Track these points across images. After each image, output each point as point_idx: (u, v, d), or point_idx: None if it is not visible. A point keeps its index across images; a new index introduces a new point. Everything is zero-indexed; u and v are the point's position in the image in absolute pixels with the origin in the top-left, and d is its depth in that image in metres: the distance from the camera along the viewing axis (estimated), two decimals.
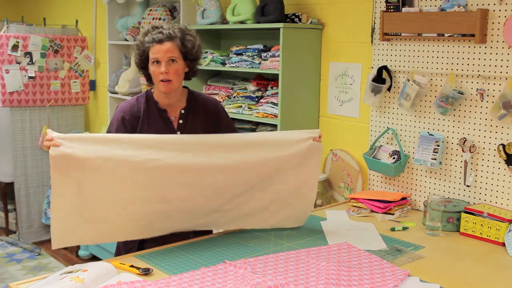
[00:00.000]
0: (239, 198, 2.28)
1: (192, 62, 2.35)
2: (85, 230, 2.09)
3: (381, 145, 3.06)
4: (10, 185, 5.12)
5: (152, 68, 2.27)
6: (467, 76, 2.68)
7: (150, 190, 2.12)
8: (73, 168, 1.99)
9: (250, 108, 3.53)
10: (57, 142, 1.96)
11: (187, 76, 2.40)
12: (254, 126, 3.62)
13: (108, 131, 2.35)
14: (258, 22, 3.43)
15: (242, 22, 3.52)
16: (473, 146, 2.67)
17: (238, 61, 3.56)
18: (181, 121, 2.36)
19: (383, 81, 2.97)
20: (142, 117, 2.32)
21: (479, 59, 2.63)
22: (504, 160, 2.56)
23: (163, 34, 2.25)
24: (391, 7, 2.90)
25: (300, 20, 3.37)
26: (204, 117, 2.41)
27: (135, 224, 2.17)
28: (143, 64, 2.33)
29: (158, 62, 2.25)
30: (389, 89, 2.99)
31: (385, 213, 2.75)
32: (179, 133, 2.34)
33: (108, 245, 4.43)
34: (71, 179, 2.01)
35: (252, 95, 3.55)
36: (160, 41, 2.24)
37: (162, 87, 2.27)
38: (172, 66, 2.25)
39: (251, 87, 3.59)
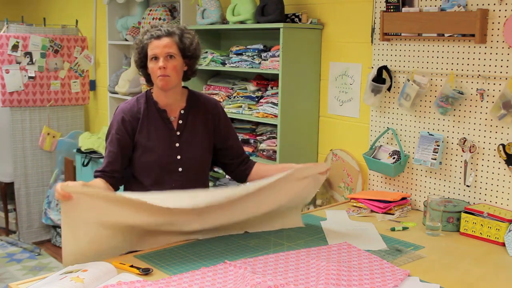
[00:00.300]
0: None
1: (191, 60, 2.35)
2: (93, 252, 2.07)
3: (381, 145, 3.06)
4: (10, 185, 5.12)
5: (150, 65, 2.27)
6: (467, 76, 2.68)
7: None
8: (85, 218, 2.01)
9: (250, 108, 3.53)
10: (70, 195, 1.95)
11: (186, 76, 2.39)
12: (254, 126, 3.62)
13: (109, 132, 2.35)
14: (258, 22, 3.43)
15: (242, 22, 3.52)
16: (473, 146, 2.67)
17: (238, 61, 3.56)
18: (180, 121, 2.36)
19: (383, 81, 2.97)
20: (142, 118, 2.32)
21: (479, 59, 2.63)
22: (504, 160, 2.57)
23: (161, 30, 2.27)
24: (391, 7, 2.90)
25: (300, 20, 3.37)
26: (204, 117, 2.41)
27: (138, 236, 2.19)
28: (143, 63, 2.33)
29: (156, 58, 2.25)
30: (389, 89, 2.99)
31: (385, 213, 2.75)
32: (178, 133, 2.34)
33: None
34: (81, 219, 2.02)
35: (252, 95, 3.55)
36: (158, 37, 2.25)
37: (160, 82, 2.26)
38: (170, 62, 2.25)
39: (251, 87, 3.59)
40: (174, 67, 2.26)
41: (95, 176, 2.30)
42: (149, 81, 2.37)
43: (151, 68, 2.28)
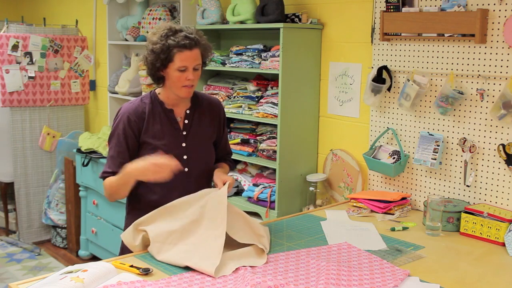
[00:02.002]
0: None
1: (203, 66, 2.36)
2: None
3: (381, 145, 3.06)
4: (10, 185, 5.12)
5: (175, 74, 2.22)
6: (467, 76, 2.68)
7: None
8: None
9: (250, 108, 3.53)
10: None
11: None
12: (254, 126, 3.62)
13: (113, 133, 2.32)
14: (258, 22, 3.43)
15: (242, 22, 3.52)
16: (473, 146, 2.67)
17: (238, 61, 3.56)
18: (186, 121, 2.35)
19: (383, 81, 2.97)
20: (147, 118, 2.30)
21: (479, 59, 2.63)
22: (504, 160, 2.57)
23: (192, 40, 2.21)
24: (391, 7, 2.90)
25: (300, 20, 3.37)
26: (209, 117, 2.41)
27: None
28: (163, 66, 2.24)
29: (185, 69, 2.23)
30: (389, 89, 2.99)
31: (385, 213, 2.75)
32: (184, 133, 2.34)
33: (108, 245, 4.43)
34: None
35: (252, 95, 3.55)
36: (190, 48, 2.21)
37: (185, 93, 2.26)
38: (196, 73, 2.26)
39: (251, 87, 3.59)
40: (198, 77, 2.29)
41: (108, 177, 2.28)
42: (158, 82, 2.33)
43: (176, 77, 2.22)
